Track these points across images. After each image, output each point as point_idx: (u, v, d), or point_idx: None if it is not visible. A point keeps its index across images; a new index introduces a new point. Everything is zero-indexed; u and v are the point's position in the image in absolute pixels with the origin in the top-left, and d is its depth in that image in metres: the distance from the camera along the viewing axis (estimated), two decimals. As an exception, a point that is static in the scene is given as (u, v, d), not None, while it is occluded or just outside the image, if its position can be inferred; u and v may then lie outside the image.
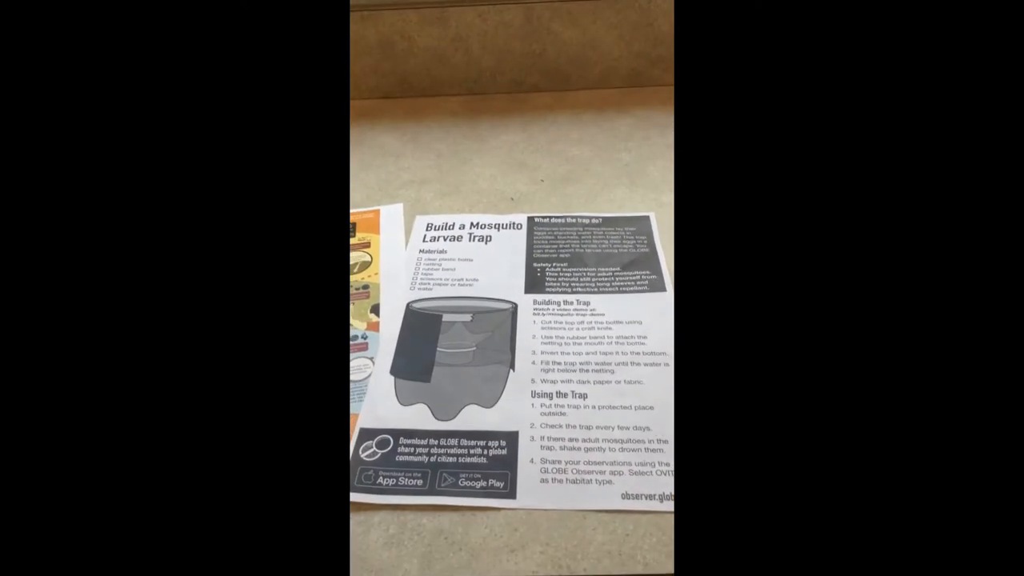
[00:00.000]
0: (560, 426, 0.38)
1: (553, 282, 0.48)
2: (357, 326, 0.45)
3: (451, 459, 0.36)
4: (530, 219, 0.54)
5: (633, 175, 0.58)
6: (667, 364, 0.41)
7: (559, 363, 0.42)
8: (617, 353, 0.42)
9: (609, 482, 0.35)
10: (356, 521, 0.34)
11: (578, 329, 0.44)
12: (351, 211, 0.55)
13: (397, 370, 0.42)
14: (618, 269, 0.48)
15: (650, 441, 0.37)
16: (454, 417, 0.39)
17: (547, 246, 0.51)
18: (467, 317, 0.45)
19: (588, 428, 0.38)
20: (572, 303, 0.46)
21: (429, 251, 0.51)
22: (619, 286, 0.47)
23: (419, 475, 0.36)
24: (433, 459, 0.36)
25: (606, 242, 0.51)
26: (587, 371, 0.41)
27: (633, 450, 0.36)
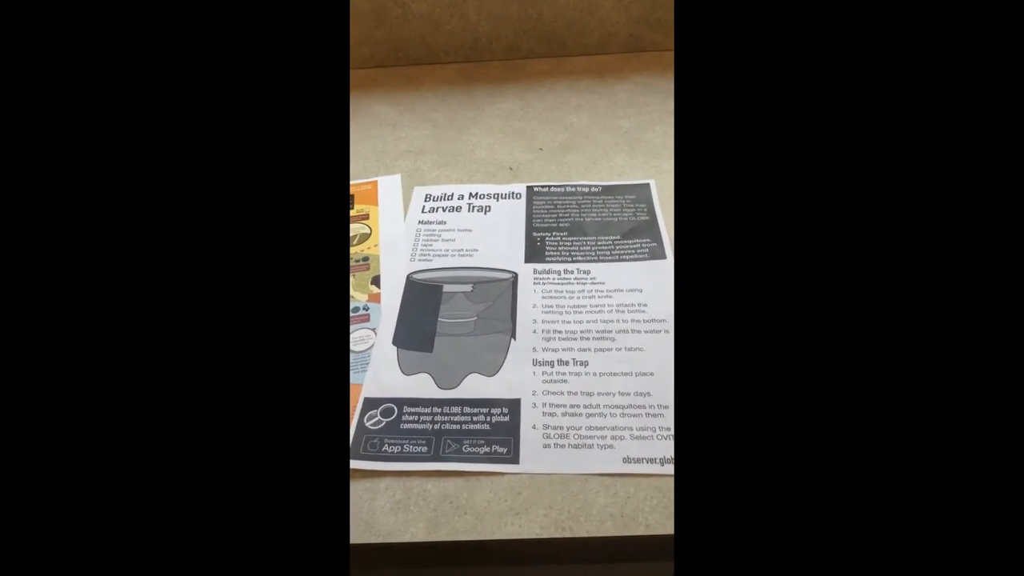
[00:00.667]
0: (562, 393, 0.38)
1: (553, 251, 0.48)
2: (358, 298, 0.45)
3: (455, 426, 0.37)
4: (529, 188, 0.53)
5: (633, 142, 0.57)
6: (667, 331, 0.41)
7: (560, 332, 0.42)
8: (618, 321, 0.42)
9: (610, 447, 0.36)
10: (363, 488, 0.35)
11: (578, 298, 0.44)
12: (350, 183, 0.55)
13: (399, 340, 0.42)
14: (618, 237, 0.48)
15: (651, 407, 0.37)
16: (457, 386, 0.39)
17: (547, 215, 0.51)
18: (468, 287, 0.45)
19: (589, 395, 0.38)
20: (572, 272, 0.46)
21: (428, 222, 0.51)
22: (619, 254, 0.47)
23: (423, 442, 0.36)
24: (437, 426, 0.37)
25: (606, 210, 0.51)
26: (588, 339, 0.41)
27: (634, 415, 0.37)
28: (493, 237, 0.49)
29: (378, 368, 0.40)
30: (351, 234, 0.50)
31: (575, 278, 0.46)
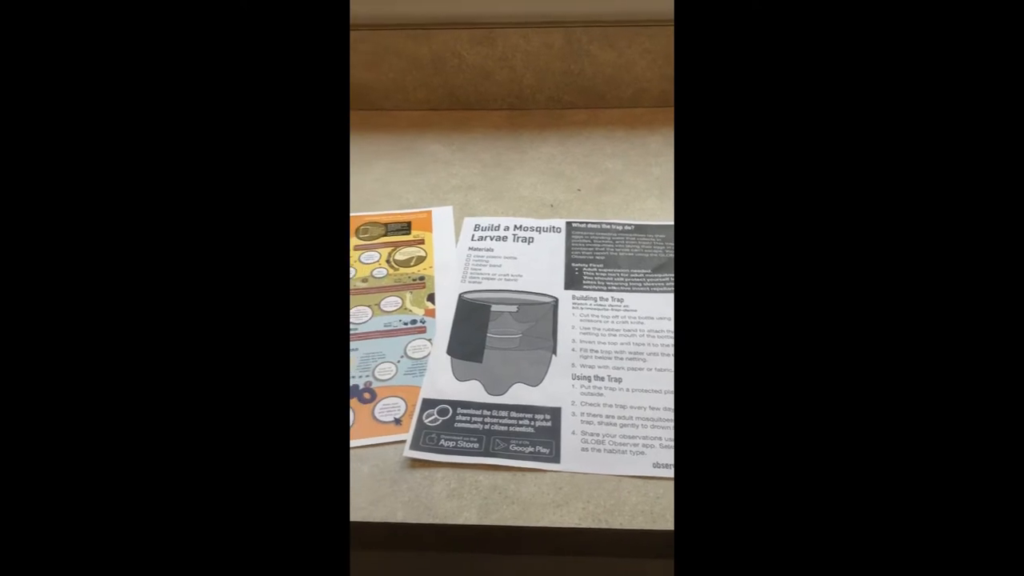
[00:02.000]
0: (598, 404, 0.43)
1: (590, 280, 0.53)
2: (416, 312, 0.50)
3: (503, 428, 0.42)
4: (568, 224, 0.59)
5: (663, 187, 0.63)
6: (693, 355, 0.46)
7: (596, 351, 0.47)
8: (648, 344, 0.47)
9: (642, 453, 0.40)
10: (422, 475, 0.39)
11: (613, 322, 0.49)
12: (407, 211, 0.61)
13: (453, 350, 0.47)
14: (649, 271, 0.54)
15: (678, 420, 0.42)
16: (504, 393, 0.44)
17: (584, 248, 0.56)
18: (513, 308, 0.50)
19: (623, 407, 0.43)
20: (607, 299, 0.51)
21: (477, 249, 0.57)
22: (650, 286, 0.52)
23: (475, 440, 0.41)
24: (487, 427, 0.42)
25: (638, 247, 0.56)
26: (621, 359, 0.46)
27: (664, 428, 0.41)
28: (536, 265, 0.55)
29: (434, 374, 0.45)
30: (408, 256, 0.56)
31: (609, 305, 0.51)
